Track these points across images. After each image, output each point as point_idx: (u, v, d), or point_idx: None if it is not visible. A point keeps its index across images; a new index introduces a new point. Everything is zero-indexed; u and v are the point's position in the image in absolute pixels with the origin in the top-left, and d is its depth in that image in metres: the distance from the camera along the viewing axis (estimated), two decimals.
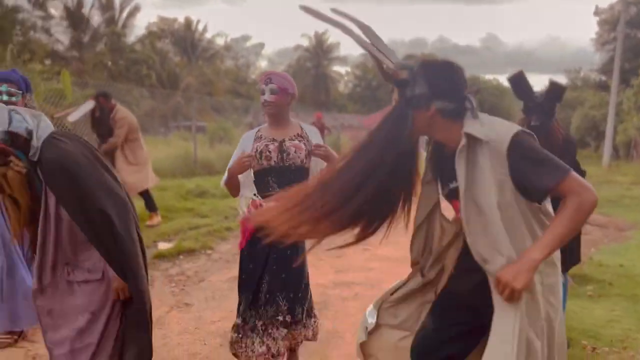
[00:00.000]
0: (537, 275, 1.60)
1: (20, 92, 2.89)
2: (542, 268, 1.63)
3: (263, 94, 2.59)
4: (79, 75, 22.58)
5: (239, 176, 2.60)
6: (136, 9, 31.58)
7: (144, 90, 22.29)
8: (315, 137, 2.70)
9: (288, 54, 50.77)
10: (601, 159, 19.05)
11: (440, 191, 1.86)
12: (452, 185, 1.74)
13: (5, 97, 2.80)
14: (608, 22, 27.82)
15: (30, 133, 1.98)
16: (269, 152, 2.56)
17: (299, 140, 2.62)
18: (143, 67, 27.17)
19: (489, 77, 76.21)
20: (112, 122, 5.92)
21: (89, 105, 5.93)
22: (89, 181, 2.00)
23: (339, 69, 49.64)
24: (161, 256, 5.04)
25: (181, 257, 5.15)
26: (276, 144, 2.58)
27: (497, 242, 1.59)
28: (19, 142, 1.96)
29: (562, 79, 31.94)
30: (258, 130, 2.70)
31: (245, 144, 2.66)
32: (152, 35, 32.81)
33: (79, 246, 2.08)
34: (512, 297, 1.56)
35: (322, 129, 12.66)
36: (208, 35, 39.03)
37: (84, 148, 2.08)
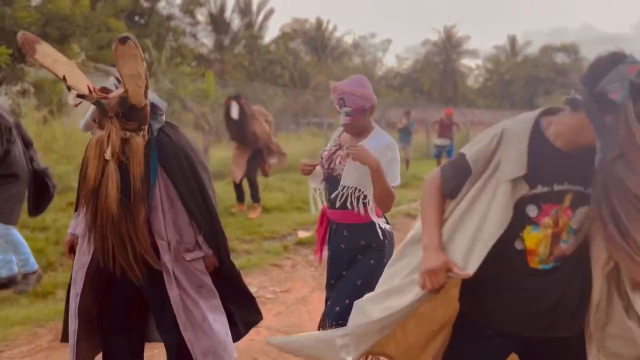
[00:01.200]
0: None
1: None
2: None
3: (339, 112, 2.44)
4: (220, 76, 24.48)
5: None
6: (271, 12, 33.42)
7: (278, 89, 23.59)
8: (377, 149, 2.36)
9: (416, 49, 50.25)
10: None
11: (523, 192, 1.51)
12: (557, 188, 1.49)
13: None
14: None
15: (163, 113, 2.15)
16: (322, 158, 2.53)
17: None
18: (277, 67, 28.70)
19: None
20: (248, 118, 6.43)
21: (236, 105, 6.44)
22: (200, 166, 2.17)
23: (468, 62, 48.05)
24: (301, 243, 5.51)
25: None
26: (332, 150, 2.52)
27: None
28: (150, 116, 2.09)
29: None
30: (340, 133, 2.60)
31: (330, 141, 2.65)
32: (285, 36, 34.44)
33: (181, 227, 2.16)
34: None
35: (450, 125, 12.17)
36: (337, 34, 39.93)
37: (190, 138, 2.26)
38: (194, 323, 2.16)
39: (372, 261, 2.38)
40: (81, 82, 1.95)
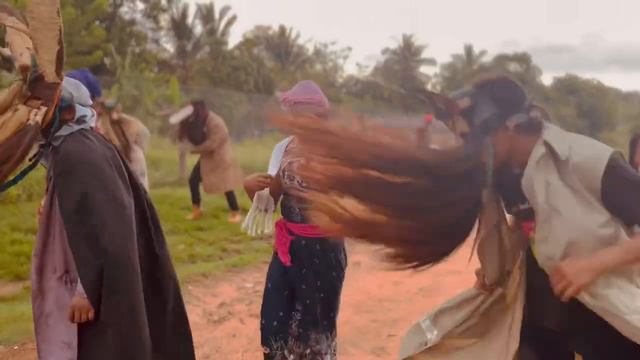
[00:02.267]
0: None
1: None
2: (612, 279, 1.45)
3: None
4: (183, 81, 24.42)
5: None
6: (234, 18, 33.53)
7: (243, 95, 23.74)
8: None
9: (375, 57, 51.22)
10: None
11: (503, 210, 1.76)
12: (522, 207, 1.63)
13: None
14: None
15: (84, 120, 1.96)
16: (292, 170, 2.36)
17: None
18: (242, 73, 28.84)
19: (588, 76, 72.31)
20: (206, 128, 6.37)
21: (189, 110, 6.37)
22: (96, 185, 1.89)
23: (427, 70, 49.36)
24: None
25: None
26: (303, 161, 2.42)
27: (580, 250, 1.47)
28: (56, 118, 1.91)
29: None
30: (290, 141, 2.50)
31: (276, 154, 2.50)
32: (249, 43, 34.60)
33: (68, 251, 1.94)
34: (565, 292, 1.42)
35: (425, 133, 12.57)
36: (300, 41, 40.34)
37: (108, 151, 2.00)
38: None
39: (342, 271, 2.45)
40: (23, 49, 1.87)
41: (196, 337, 3.43)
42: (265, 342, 2.41)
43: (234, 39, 48.15)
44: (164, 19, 30.65)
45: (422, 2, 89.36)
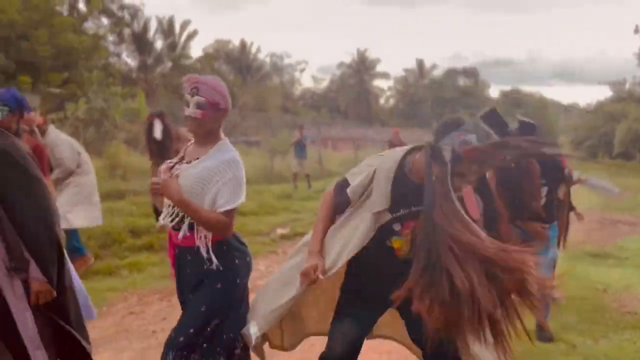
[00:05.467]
0: None
1: (7, 108, 2.95)
2: None
3: (187, 105, 2.11)
4: (146, 95, 24.83)
5: None
6: (195, 33, 34.19)
7: None
8: (214, 167, 2.14)
9: (330, 70, 52.35)
10: None
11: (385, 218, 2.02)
12: (414, 209, 1.96)
13: None
14: None
15: None
16: (161, 172, 2.21)
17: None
18: None
19: (531, 90, 76.18)
20: (172, 139, 5.96)
21: (159, 124, 5.97)
22: (35, 173, 2.01)
23: (381, 84, 50.95)
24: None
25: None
26: (171, 164, 2.23)
27: None
28: None
29: (607, 92, 31.81)
30: (187, 146, 2.32)
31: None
32: (210, 57, 35.26)
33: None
34: None
35: (399, 144, 12.47)
36: (261, 55, 41.17)
37: (20, 145, 2.12)
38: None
39: (219, 285, 2.15)
40: None
41: None
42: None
43: (193, 53, 48.24)
44: (126, 33, 31.00)
45: (376, 17, 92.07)
